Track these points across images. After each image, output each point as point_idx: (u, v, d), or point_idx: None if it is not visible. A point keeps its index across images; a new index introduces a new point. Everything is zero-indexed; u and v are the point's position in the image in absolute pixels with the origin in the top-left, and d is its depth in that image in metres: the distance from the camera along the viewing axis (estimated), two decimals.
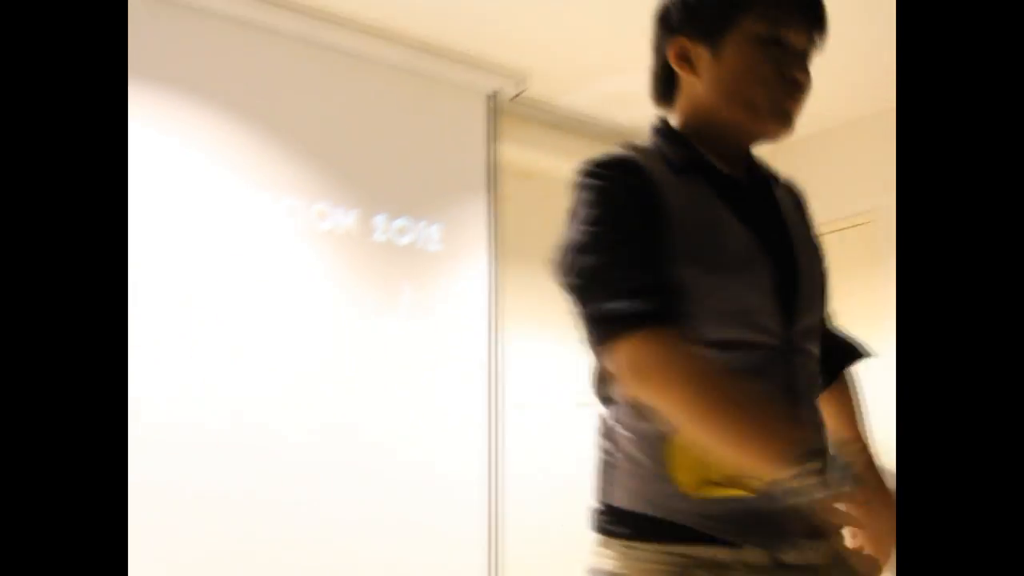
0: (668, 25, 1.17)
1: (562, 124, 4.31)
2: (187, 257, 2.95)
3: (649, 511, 1.01)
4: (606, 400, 1.13)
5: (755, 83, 1.09)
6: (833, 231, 4.35)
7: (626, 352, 0.98)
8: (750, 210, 1.09)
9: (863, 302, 4.13)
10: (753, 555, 0.98)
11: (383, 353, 3.38)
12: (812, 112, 3.89)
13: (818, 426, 1.09)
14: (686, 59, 1.14)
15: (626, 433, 1.07)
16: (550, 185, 4.31)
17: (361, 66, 3.50)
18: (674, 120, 1.19)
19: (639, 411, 1.03)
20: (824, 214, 4.36)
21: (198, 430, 2.83)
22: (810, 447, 0.91)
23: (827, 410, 1.18)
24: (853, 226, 4.37)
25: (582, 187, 1.10)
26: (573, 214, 1.10)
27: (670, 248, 1.02)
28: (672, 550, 0.98)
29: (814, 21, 1.12)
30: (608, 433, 1.12)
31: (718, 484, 0.98)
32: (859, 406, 1.27)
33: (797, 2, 1.11)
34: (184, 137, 3.00)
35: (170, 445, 2.76)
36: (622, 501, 1.05)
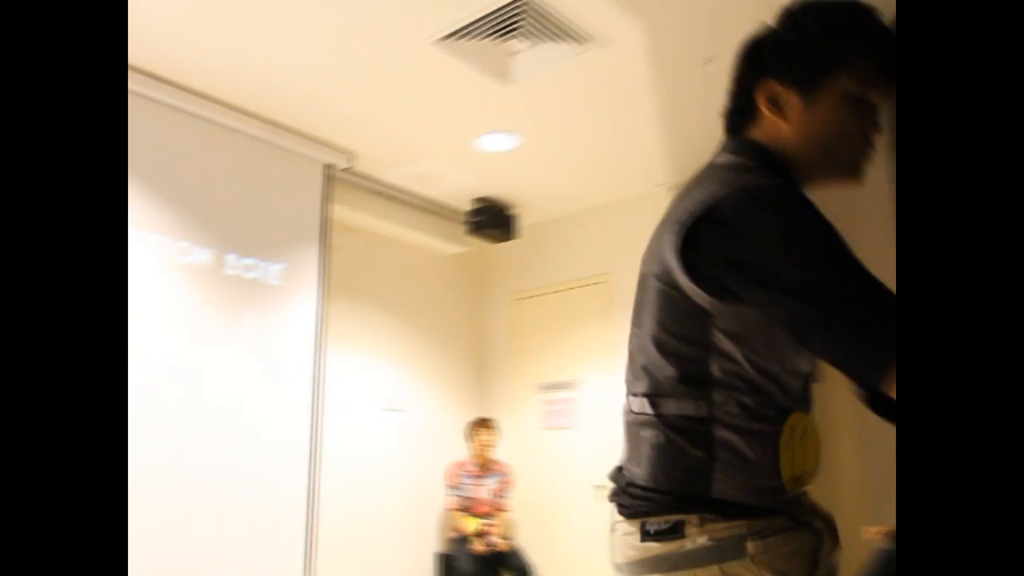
0: (759, 64, 1.02)
1: (382, 193, 4.48)
2: None
3: (758, 500, 0.92)
4: (692, 399, 0.96)
5: (842, 138, 0.98)
6: (578, 288, 4.84)
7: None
8: None
9: (599, 343, 4.62)
10: (811, 519, 0.96)
11: (231, 364, 3.39)
12: (564, 200, 4.30)
13: None
14: (775, 103, 1.01)
15: (730, 433, 0.94)
16: (370, 238, 4.71)
17: (225, 134, 3.53)
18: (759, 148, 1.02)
19: (753, 413, 0.93)
20: (571, 276, 4.90)
21: None
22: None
23: None
24: (594, 284, 4.75)
25: (785, 205, 0.87)
26: (789, 233, 0.86)
27: None
28: (772, 522, 0.92)
29: (892, 82, 1.00)
30: (693, 430, 0.95)
31: (799, 481, 0.94)
32: None
33: (885, 65, 0.98)
34: None
35: None
36: (728, 491, 0.93)
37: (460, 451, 4.71)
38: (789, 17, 1.03)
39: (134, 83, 3.23)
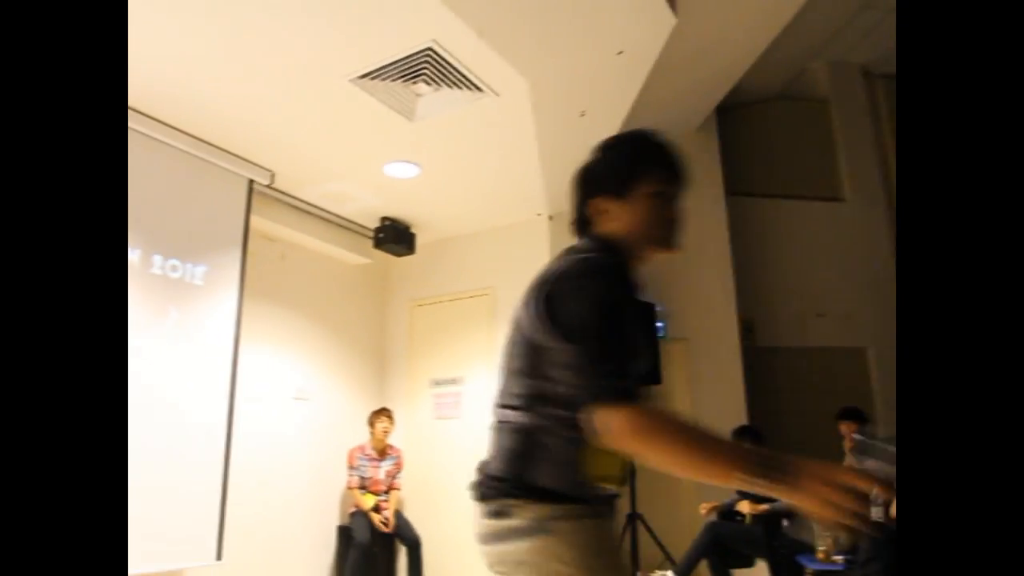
0: (586, 187, 1.25)
1: (299, 207, 4.47)
2: None
3: (567, 490, 1.07)
4: (533, 411, 1.12)
5: (652, 224, 1.20)
6: (466, 298, 4.89)
7: (625, 418, 0.97)
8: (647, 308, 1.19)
9: (483, 346, 4.68)
10: (608, 512, 1.14)
11: (156, 354, 3.34)
12: (457, 222, 4.42)
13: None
14: (601, 211, 1.22)
15: (552, 439, 1.10)
16: (287, 248, 4.70)
17: (157, 147, 3.47)
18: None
19: (570, 424, 1.06)
20: (461, 287, 5.01)
21: None
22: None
23: None
24: (480, 295, 4.74)
25: (602, 264, 1.10)
26: (590, 280, 1.08)
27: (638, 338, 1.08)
28: (575, 508, 1.08)
29: (684, 182, 1.24)
30: (533, 432, 1.12)
31: (603, 479, 1.09)
32: None
33: (673, 168, 1.23)
34: None
35: None
36: (546, 481, 1.08)
37: (360, 437, 4.72)
38: (600, 151, 1.28)
39: None
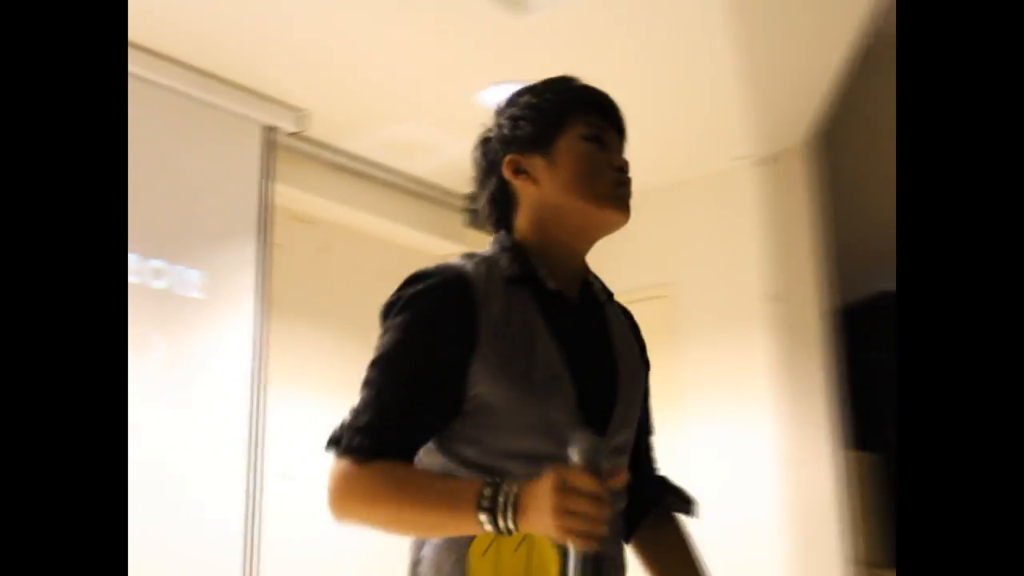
0: (495, 148, 1.47)
1: (346, 168, 4.53)
2: None
3: None
4: None
5: (591, 173, 1.40)
6: (628, 304, 4.81)
7: (330, 473, 1.29)
8: (570, 327, 1.36)
9: (662, 376, 4.49)
10: None
11: (132, 411, 3.15)
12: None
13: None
14: (522, 171, 1.42)
15: (433, 544, 1.34)
16: (330, 232, 4.70)
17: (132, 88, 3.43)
18: (513, 236, 1.45)
19: None
20: (619, 287, 5.02)
21: None
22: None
23: (658, 552, 1.51)
24: (651, 298, 4.65)
25: (402, 297, 1.34)
26: (389, 317, 1.35)
27: (463, 371, 1.29)
28: None
29: (620, 125, 1.48)
30: (419, 541, 1.37)
31: None
32: (699, 557, 1.51)
33: (607, 110, 1.47)
34: None
35: None
36: None
37: None
38: (507, 104, 1.51)
39: None
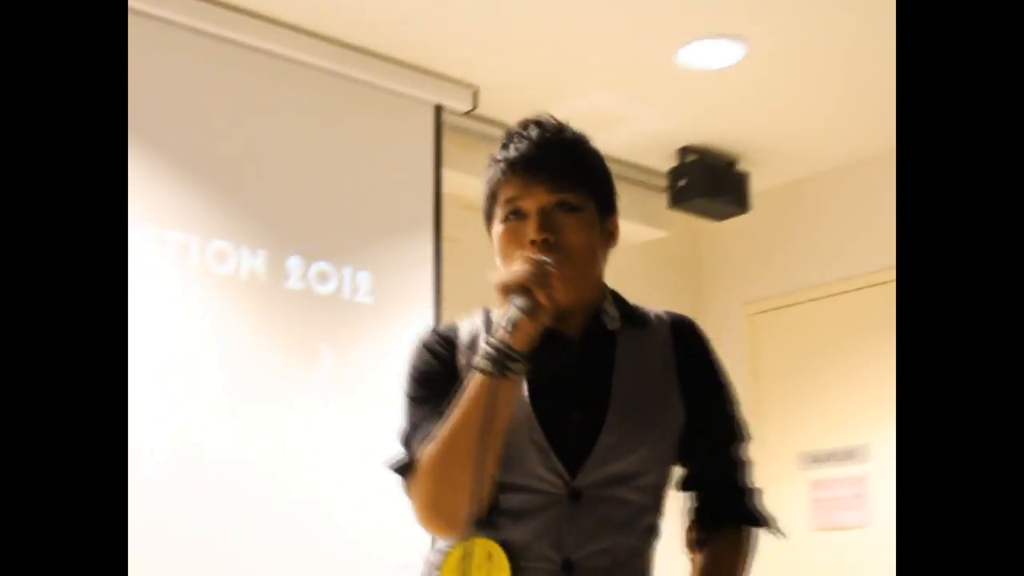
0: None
1: None
2: None
3: None
4: None
5: (505, 258, 1.55)
6: (854, 291, 4.72)
7: (408, 490, 1.51)
8: (547, 364, 1.49)
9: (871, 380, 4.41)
10: None
11: (296, 433, 3.36)
12: (825, 146, 4.13)
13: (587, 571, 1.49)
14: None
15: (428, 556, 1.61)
16: None
17: (279, 71, 3.56)
18: None
19: (433, 542, 1.59)
20: (843, 272, 4.72)
21: None
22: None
23: (703, 563, 1.63)
24: (881, 283, 4.54)
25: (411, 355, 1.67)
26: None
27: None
28: None
29: (548, 171, 1.54)
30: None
31: None
32: (735, 569, 1.63)
33: (528, 168, 1.53)
34: None
35: None
36: None
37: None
38: None
39: None
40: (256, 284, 3.40)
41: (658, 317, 1.68)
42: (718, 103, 4.29)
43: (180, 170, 3.32)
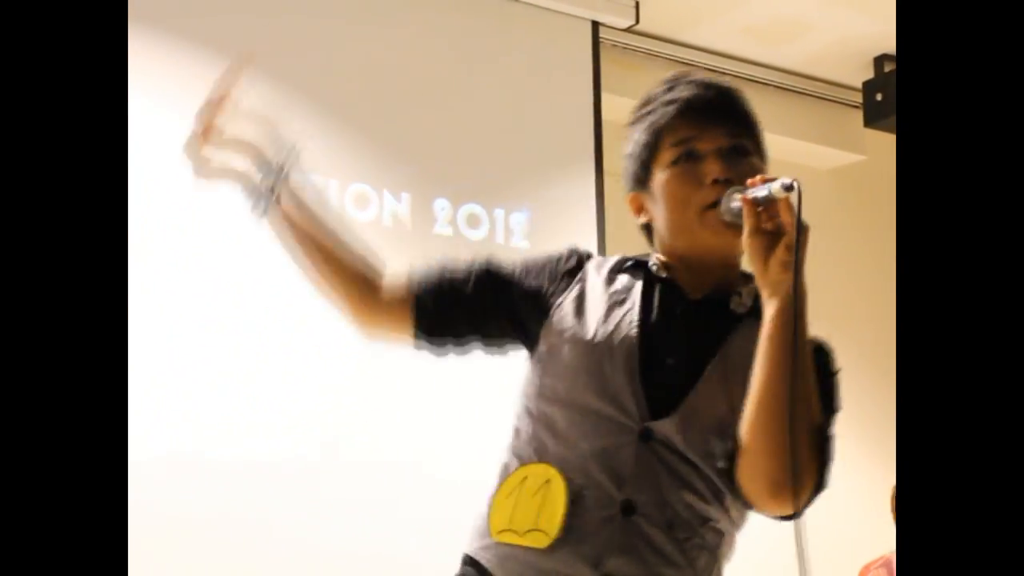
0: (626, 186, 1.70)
1: (691, 65, 4.32)
2: (179, 255, 2.95)
3: (474, 553, 1.54)
4: None
5: (675, 207, 1.53)
6: None
7: None
8: (670, 310, 1.54)
9: None
10: None
11: (442, 390, 3.31)
12: None
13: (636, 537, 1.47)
14: (642, 209, 1.63)
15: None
16: None
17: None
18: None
19: (508, 464, 1.59)
20: None
21: (201, 460, 2.91)
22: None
23: None
24: None
25: None
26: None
27: (534, 304, 1.57)
28: None
29: (723, 113, 1.55)
30: None
31: (515, 532, 1.48)
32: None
33: (697, 112, 1.54)
34: (176, 92, 2.92)
35: (173, 478, 2.86)
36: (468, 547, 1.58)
37: (877, 543, 4.30)
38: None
39: None
40: (401, 230, 3.43)
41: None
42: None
43: (312, 108, 3.30)
